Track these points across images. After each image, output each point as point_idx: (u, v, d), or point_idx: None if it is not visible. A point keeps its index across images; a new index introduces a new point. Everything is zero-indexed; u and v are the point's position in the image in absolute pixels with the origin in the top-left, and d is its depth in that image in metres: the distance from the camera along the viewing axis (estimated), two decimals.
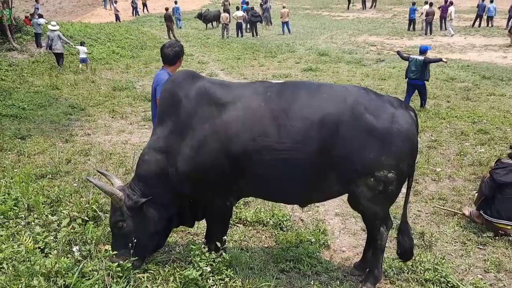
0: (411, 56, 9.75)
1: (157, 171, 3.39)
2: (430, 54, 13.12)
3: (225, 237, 3.64)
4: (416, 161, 3.58)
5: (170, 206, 3.51)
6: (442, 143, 7.76)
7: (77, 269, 3.12)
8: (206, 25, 27.65)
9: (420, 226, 4.80)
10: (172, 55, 4.38)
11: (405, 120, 3.23)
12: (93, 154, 6.94)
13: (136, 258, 3.36)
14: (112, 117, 9.31)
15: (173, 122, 3.35)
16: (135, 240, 3.30)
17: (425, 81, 9.55)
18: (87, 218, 4.19)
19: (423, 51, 9.68)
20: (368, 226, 3.65)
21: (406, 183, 3.51)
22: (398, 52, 10.40)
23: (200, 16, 27.14)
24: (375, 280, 3.56)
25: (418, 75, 9.38)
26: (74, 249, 3.24)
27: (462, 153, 7.16)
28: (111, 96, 10.96)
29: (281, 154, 3.15)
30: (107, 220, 4.26)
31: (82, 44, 14.88)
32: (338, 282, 3.67)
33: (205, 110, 3.27)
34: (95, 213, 4.34)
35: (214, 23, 27.53)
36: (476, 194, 4.96)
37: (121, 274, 3.24)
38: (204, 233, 4.05)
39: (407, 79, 9.70)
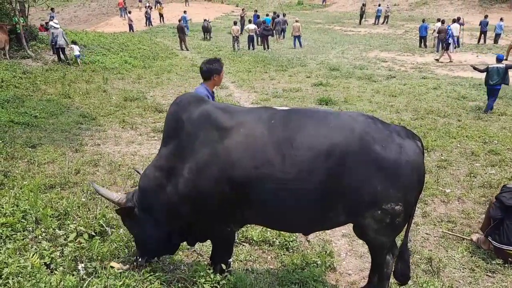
0: (489, 66, 10.91)
1: (154, 188, 3.47)
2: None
3: (230, 259, 3.63)
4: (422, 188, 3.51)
5: (166, 223, 3.56)
6: (452, 163, 7.69)
7: (82, 287, 3.12)
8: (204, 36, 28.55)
9: (428, 250, 4.74)
10: (204, 70, 4.51)
11: (412, 150, 3.18)
12: (102, 165, 6.98)
13: (139, 257, 3.70)
14: (122, 128, 9.37)
15: (175, 144, 3.38)
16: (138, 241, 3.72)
17: (505, 85, 10.95)
18: (93, 233, 4.19)
19: (500, 59, 10.90)
20: (374, 255, 3.59)
21: None
22: (474, 67, 11.83)
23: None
24: None
25: (500, 81, 10.65)
26: (79, 267, 3.24)
27: (472, 174, 7.08)
28: (122, 106, 11.04)
29: (285, 183, 3.08)
30: (113, 236, 4.28)
31: (74, 43, 16.63)
32: None
33: (207, 134, 3.25)
34: (102, 228, 4.35)
35: (207, 35, 28.33)
36: (483, 220, 4.90)
37: None
38: (210, 252, 4.04)
39: (487, 86, 10.89)
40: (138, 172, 4.07)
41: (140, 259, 3.71)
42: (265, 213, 3.35)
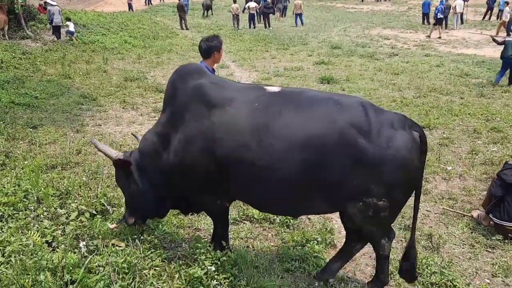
0: (506, 39, 11.26)
1: (151, 152, 3.56)
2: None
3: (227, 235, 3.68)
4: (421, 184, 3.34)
5: (159, 187, 3.64)
6: (454, 140, 7.66)
7: (83, 265, 3.14)
8: (203, 13, 28.69)
9: (429, 227, 4.76)
10: (203, 48, 4.46)
11: (403, 144, 2.92)
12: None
13: (130, 216, 3.78)
14: (123, 108, 9.34)
15: (171, 112, 3.44)
16: (130, 200, 3.78)
17: None
18: (95, 212, 4.22)
19: None
20: (367, 240, 3.52)
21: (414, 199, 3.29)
22: (493, 38, 12.38)
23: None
24: (382, 284, 3.51)
25: None
26: (81, 244, 3.27)
27: (474, 152, 7.06)
28: (122, 86, 10.99)
29: (261, 169, 3.01)
30: (115, 214, 4.30)
31: (68, 19, 16.82)
32: (343, 284, 3.67)
33: (197, 109, 3.25)
34: (103, 207, 4.37)
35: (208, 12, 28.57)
36: (485, 197, 4.90)
37: (126, 271, 3.27)
38: (211, 230, 4.07)
39: (503, 58, 11.24)
40: (136, 137, 4.14)
41: (128, 219, 3.81)
42: (247, 194, 3.37)
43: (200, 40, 4.59)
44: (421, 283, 3.67)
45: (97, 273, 3.15)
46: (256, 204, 3.53)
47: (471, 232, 4.68)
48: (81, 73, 12.13)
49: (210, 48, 4.44)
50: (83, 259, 3.25)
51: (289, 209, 3.44)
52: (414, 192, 3.22)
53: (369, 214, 3.03)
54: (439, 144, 7.45)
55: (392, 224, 3.39)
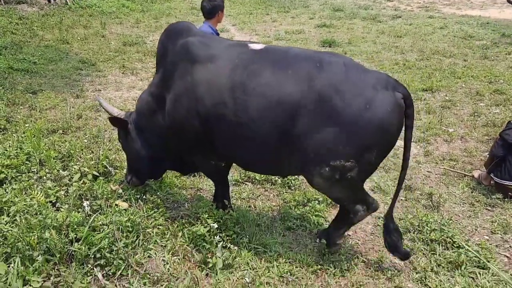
0: None
1: (146, 112, 3.61)
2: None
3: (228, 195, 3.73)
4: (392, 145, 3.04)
5: (156, 146, 3.71)
6: (457, 103, 7.61)
7: (87, 223, 3.19)
8: None
9: (429, 187, 4.78)
10: (208, 8, 4.40)
11: (384, 106, 2.76)
12: (104, 111, 6.93)
13: (131, 175, 3.96)
14: (123, 73, 9.25)
15: (162, 72, 3.44)
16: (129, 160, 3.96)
17: None
18: (97, 174, 4.24)
19: None
20: (338, 204, 3.47)
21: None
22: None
23: None
24: (334, 244, 3.45)
25: None
26: (84, 204, 3.30)
27: (476, 114, 7.03)
28: (121, 51, 10.84)
29: (239, 127, 2.99)
30: (117, 176, 4.33)
31: None
32: (343, 240, 3.72)
33: (183, 66, 3.23)
34: (105, 169, 4.39)
35: None
36: (487, 158, 4.91)
37: (130, 229, 3.32)
38: (214, 190, 4.11)
39: None
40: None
41: (129, 178, 3.98)
42: (230, 153, 3.33)
43: (202, 1, 4.49)
44: (421, 239, 3.72)
45: (101, 231, 3.19)
46: (240, 163, 3.51)
47: (472, 192, 4.71)
48: (79, 38, 11.94)
49: (214, 8, 4.36)
50: (87, 218, 3.29)
51: (269, 169, 3.38)
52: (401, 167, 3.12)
53: (335, 178, 2.92)
54: (441, 107, 7.41)
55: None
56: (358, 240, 3.85)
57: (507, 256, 3.60)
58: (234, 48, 3.21)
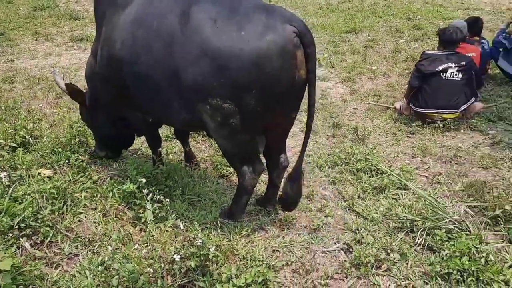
0: None
1: (90, 74, 3.50)
2: None
3: (160, 149, 3.64)
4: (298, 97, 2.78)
5: (107, 110, 3.64)
6: (379, 41, 7.87)
7: (7, 194, 3.02)
8: None
9: (355, 122, 4.97)
10: None
11: (263, 39, 2.42)
12: (19, 81, 6.49)
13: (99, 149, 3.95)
14: (36, 40, 8.62)
15: (97, 27, 3.38)
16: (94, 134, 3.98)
17: None
18: (15, 145, 3.99)
19: None
20: (230, 164, 3.38)
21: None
22: None
23: None
24: (232, 217, 3.18)
25: None
26: (1, 175, 3.10)
27: (397, 50, 7.33)
28: (32, 17, 10.05)
29: (140, 68, 2.83)
30: (37, 145, 4.10)
31: None
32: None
33: (108, 13, 3.15)
34: (23, 139, 4.14)
35: None
36: (406, 89, 5.16)
37: (56, 196, 3.19)
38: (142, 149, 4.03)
39: None
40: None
41: (99, 152, 3.97)
42: (143, 101, 3.08)
43: None
44: (348, 170, 3.89)
45: (23, 201, 3.04)
46: (154, 115, 3.25)
47: (394, 122, 4.96)
48: None
49: None
50: (7, 188, 3.11)
51: (173, 117, 2.99)
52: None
53: (218, 120, 2.65)
54: (365, 47, 7.64)
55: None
56: None
57: (425, 176, 3.86)
58: None
